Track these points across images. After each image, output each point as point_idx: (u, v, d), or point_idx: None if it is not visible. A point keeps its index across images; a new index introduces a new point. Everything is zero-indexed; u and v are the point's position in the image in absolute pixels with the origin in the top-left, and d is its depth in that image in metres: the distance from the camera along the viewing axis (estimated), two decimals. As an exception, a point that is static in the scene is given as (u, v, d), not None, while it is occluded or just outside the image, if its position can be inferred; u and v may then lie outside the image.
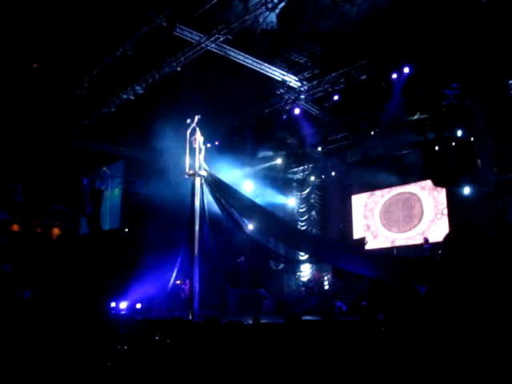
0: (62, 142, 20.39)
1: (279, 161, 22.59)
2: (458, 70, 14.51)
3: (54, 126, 19.49)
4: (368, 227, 21.56)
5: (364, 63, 16.49)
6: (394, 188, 20.74)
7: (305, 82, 18.13)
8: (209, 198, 15.09)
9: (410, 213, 20.10)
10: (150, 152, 21.48)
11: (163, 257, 18.93)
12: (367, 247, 20.34)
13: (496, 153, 14.89)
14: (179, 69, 16.33)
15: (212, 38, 14.99)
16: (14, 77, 16.92)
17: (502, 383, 2.01)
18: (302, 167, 23.68)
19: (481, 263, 2.15)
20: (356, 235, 21.68)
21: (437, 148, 17.79)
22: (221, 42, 15.27)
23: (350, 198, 22.35)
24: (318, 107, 19.82)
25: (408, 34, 14.72)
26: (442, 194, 18.68)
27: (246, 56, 16.20)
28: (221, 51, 15.72)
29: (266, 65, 16.89)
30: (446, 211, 18.45)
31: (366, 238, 20.67)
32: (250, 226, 15.88)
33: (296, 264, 20.63)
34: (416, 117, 17.67)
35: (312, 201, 23.49)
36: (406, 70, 15.80)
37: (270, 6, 13.51)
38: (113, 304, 18.11)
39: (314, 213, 23.32)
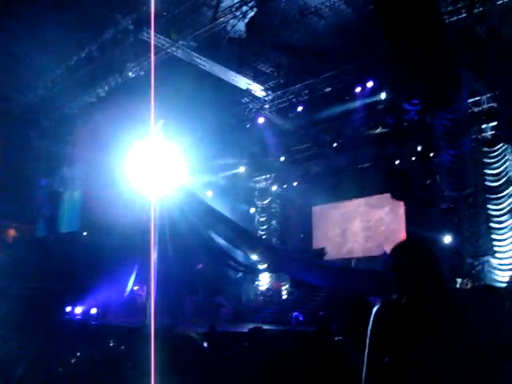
0: (21, 141, 19.94)
1: (242, 169, 22.58)
2: (419, 86, 14.79)
3: (12, 124, 19.03)
4: (328, 238, 21.71)
5: (329, 76, 16.68)
6: (354, 200, 20.96)
7: (270, 92, 18.24)
8: (167, 203, 14.97)
9: (368, 224, 20.36)
10: (111, 155, 21.18)
11: (121, 261, 18.69)
12: (326, 257, 20.47)
13: (454, 169, 15.20)
14: (143, 73, 16.20)
15: (178, 44, 14.94)
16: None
17: None
18: (264, 176, 23.73)
19: (424, 276, 2.21)
20: (315, 245, 21.80)
21: (397, 162, 18.07)
22: (187, 48, 15.23)
23: (311, 209, 22.48)
24: (282, 117, 19.91)
25: (372, 49, 14.95)
26: (400, 207, 18.95)
27: (212, 63, 16.18)
28: (187, 57, 15.66)
29: (232, 73, 16.91)
30: (403, 225, 18.73)
31: (326, 249, 20.80)
32: (210, 233, 15.82)
33: (255, 273, 20.62)
34: (378, 131, 17.93)
35: (273, 210, 23.52)
36: (370, 84, 16.05)
37: (238, 15, 13.57)
38: (68, 308, 17.79)
39: (274, 222, 23.35)
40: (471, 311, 2.24)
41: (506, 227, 15.67)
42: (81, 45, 15.79)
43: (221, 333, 10.43)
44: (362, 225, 20.68)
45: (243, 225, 20.85)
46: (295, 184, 22.50)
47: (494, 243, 15.69)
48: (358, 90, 16.46)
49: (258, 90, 18.06)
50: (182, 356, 6.84)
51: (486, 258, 15.65)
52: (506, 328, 2.39)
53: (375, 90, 16.30)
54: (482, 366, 2.09)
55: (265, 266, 17.84)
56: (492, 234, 15.81)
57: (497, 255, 15.46)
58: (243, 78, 17.41)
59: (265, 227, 23.43)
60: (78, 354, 9.20)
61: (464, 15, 12.92)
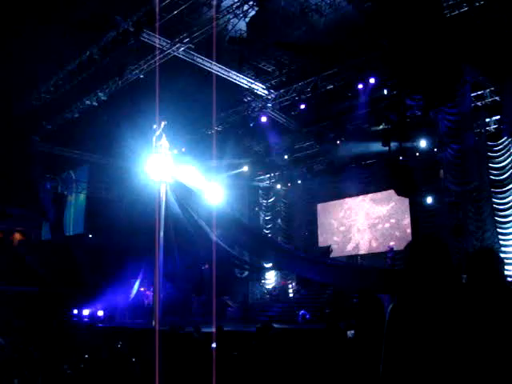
0: (23, 145, 19.96)
1: (245, 168, 22.57)
2: (422, 81, 14.77)
3: (16, 128, 19.06)
4: (333, 235, 21.72)
5: (331, 73, 16.67)
6: (359, 196, 20.96)
7: (272, 91, 18.22)
8: (173, 204, 14.98)
9: (373, 221, 20.36)
10: (115, 157, 21.23)
11: (127, 263, 18.72)
12: (332, 255, 20.47)
13: (458, 164, 15.17)
14: (142, 76, 16.19)
15: (179, 44, 14.93)
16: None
17: None
18: (268, 175, 23.75)
19: (440, 272, 2.19)
20: (321, 243, 21.81)
21: (401, 158, 18.04)
22: (188, 48, 15.22)
23: (316, 206, 22.49)
24: (285, 115, 19.90)
25: (374, 46, 14.93)
26: (405, 203, 18.92)
27: (214, 63, 16.17)
28: (188, 58, 15.66)
29: (234, 72, 16.89)
30: (408, 220, 18.71)
31: (332, 247, 20.81)
32: (215, 233, 15.81)
33: (261, 271, 20.63)
34: (381, 127, 17.91)
35: (278, 209, 23.54)
36: (372, 80, 16.02)
37: (239, 13, 13.55)
38: (75, 311, 17.84)
39: (279, 221, 23.37)
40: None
41: (510, 221, 15.65)
42: (82, 48, 15.77)
43: (228, 332, 10.44)
44: (367, 221, 20.68)
45: (248, 224, 20.90)
46: (299, 182, 22.52)
47: (499, 237, 15.67)
48: (361, 86, 16.42)
49: (260, 88, 18.05)
50: (187, 356, 6.85)
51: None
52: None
53: (378, 87, 16.27)
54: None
55: (270, 264, 17.84)
56: (497, 228, 15.79)
57: (502, 249, 15.42)
58: (245, 77, 17.40)
59: (270, 226, 23.46)
60: (86, 356, 9.24)
61: (465, 9, 12.87)
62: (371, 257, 19.67)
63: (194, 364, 6.58)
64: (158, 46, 15.27)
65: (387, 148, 18.04)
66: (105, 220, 22.31)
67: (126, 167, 19.75)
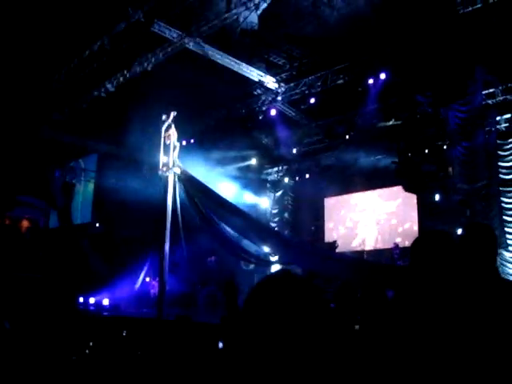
0: (32, 133, 20.03)
1: (254, 161, 22.57)
2: (432, 77, 14.72)
3: (25, 117, 19.13)
4: (339, 230, 21.72)
5: (341, 67, 16.62)
6: (366, 192, 20.92)
7: (282, 84, 18.19)
8: (181, 195, 14.98)
9: (380, 217, 20.33)
10: (124, 147, 21.27)
11: (134, 253, 18.80)
12: (338, 250, 20.44)
13: (467, 161, 15.11)
14: (149, 69, 16.17)
15: (190, 36, 14.91)
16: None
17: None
18: (276, 168, 23.73)
19: (447, 269, 2.19)
20: (327, 238, 21.79)
21: (409, 154, 17.98)
22: (199, 40, 15.20)
23: (323, 201, 22.47)
24: (295, 109, 19.88)
25: (385, 41, 14.88)
26: (413, 200, 18.88)
27: (225, 55, 16.15)
28: (199, 49, 15.64)
29: (244, 65, 16.86)
30: (416, 217, 18.68)
31: (337, 242, 20.78)
32: (223, 225, 15.81)
33: (267, 265, 20.63)
34: (390, 123, 17.86)
35: (285, 202, 23.52)
36: (383, 75, 15.96)
37: (251, 6, 13.51)
38: (81, 299, 17.94)
39: (286, 214, 23.36)
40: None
41: (518, 220, 15.61)
42: (93, 38, 15.79)
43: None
44: (374, 217, 20.64)
45: (255, 217, 20.90)
46: (307, 176, 22.48)
47: (507, 236, 15.61)
48: (371, 81, 16.37)
49: (270, 81, 18.01)
50: (191, 348, 6.88)
51: (498, 251, 15.55)
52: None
53: (388, 82, 16.21)
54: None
55: (276, 257, 17.82)
56: (505, 227, 15.71)
57: (510, 248, 15.36)
58: (255, 69, 17.37)
59: (277, 219, 23.44)
60: (91, 343, 9.31)
61: (479, 5, 12.77)
62: (377, 253, 19.63)
63: (197, 355, 6.61)
64: (168, 37, 15.27)
65: (396, 144, 18.03)
66: (112, 209, 22.40)
67: (134, 157, 19.82)
